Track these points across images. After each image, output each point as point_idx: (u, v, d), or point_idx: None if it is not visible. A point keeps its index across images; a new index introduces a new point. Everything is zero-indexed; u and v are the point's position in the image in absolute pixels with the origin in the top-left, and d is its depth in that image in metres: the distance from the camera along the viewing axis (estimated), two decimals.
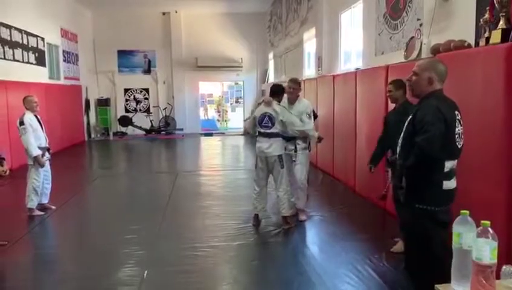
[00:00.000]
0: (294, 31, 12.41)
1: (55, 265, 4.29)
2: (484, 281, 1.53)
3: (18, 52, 10.04)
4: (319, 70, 9.57)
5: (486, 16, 3.78)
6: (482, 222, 1.55)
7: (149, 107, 16.97)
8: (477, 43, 4.06)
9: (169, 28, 16.51)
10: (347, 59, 8.70)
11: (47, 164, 5.78)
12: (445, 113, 2.59)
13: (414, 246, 2.82)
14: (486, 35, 3.74)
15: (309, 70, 11.33)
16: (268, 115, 4.97)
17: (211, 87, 22.77)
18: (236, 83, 19.92)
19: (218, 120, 21.73)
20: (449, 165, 2.65)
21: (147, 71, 16.88)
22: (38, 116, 5.73)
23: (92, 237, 5.08)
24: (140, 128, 16.21)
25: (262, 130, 5.03)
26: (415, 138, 2.62)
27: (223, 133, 17.18)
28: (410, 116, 2.74)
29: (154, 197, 6.94)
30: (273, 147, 4.97)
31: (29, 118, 5.50)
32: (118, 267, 4.08)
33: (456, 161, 2.70)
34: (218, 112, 22.55)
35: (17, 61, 10.00)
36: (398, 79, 4.24)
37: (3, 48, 9.28)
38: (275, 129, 4.95)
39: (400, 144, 2.84)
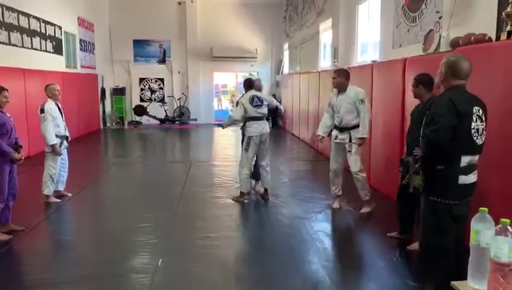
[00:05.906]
0: (310, 22, 12.31)
1: (71, 251, 4.35)
2: (502, 280, 1.52)
3: (36, 40, 10.15)
4: (334, 61, 9.49)
5: (509, 9, 3.70)
6: (501, 219, 1.53)
7: (164, 97, 17.01)
8: (498, 37, 3.99)
9: (185, 18, 16.47)
10: (363, 51, 8.60)
11: (64, 152, 5.85)
12: (459, 106, 2.58)
13: (428, 238, 2.83)
14: (508, 28, 3.67)
15: (324, 62, 11.24)
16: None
17: (225, 77, 22.79)
18: (251, 74, 19.88)
19: (232, 111, 21.71)
20: (466, 159, 2.65)
21: (162, 61, 16.92)
22: (59, 105, 5.79)
23: (107, 225, 5.16)
24: (154, 117, 16.29)
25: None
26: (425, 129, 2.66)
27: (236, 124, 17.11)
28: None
29: (168, 186, 7.00)
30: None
31: (50, 106, 5.55)
32: (132, 255, 4.14)
33: (476, 156, 2.69)
34: (232, 102, 22.57)
35: (35, 49, 10.11)
36: (419, 74, 3.93)
37: (22, 36, 9.39)
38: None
39: (421, 137, 2.84)
